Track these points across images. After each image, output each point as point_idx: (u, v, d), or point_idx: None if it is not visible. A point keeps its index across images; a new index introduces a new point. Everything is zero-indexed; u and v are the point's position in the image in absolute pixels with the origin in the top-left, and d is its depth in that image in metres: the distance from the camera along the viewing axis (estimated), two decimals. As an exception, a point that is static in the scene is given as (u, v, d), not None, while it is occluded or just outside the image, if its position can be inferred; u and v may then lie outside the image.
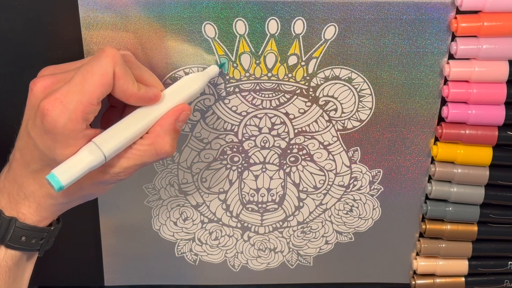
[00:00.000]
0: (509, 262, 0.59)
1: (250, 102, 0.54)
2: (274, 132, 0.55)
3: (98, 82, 0.41)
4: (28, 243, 0.45)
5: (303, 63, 0.52)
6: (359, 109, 0.54)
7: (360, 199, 0.59)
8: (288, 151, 0.56)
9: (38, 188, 0.44)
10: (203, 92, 0.53)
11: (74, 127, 0.41)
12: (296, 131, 0.55)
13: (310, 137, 0.55)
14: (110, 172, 0.43)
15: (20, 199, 0.44)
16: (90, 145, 0.41)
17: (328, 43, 0.51)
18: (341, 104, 0.54)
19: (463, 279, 0.60)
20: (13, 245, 0.45)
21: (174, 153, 0.44)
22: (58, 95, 0.40)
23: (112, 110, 0.49)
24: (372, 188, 0.58)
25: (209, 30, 0.50)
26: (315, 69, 0.52)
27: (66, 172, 0.41)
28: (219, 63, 0.51)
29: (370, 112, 0.54)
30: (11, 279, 0.45)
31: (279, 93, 0.53)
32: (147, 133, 0.45)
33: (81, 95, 0.40)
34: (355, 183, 0.58)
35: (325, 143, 0.56)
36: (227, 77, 0.52)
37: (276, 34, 0.51)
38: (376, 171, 0.57)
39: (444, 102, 0.54)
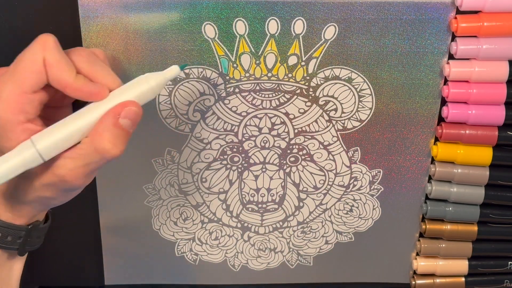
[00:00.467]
0: (509, 262, 0.59)
1: (250, 102, 0.54)
2: (274, 132, 0.55)
3: (26, 69, 0.39)
4: (3, 240, 0.44)
5: (303, 63, 0.52)
6: (359, 109, 0.54)
7: (360, 199, 0.59)
8: (288, 151, 0.56)
9: None
10: (203, 92, 0.53)
11: (9, 118, 0.39)
12: (296, 131, 0.55)
13: (310, 137, 0.55)
14: (56, 173, 0.41)
15: None
16: (26, 142, 0.39)
17: (328, 43, 0.51)
18: (341, 104, 0.54)
19: (463, 279, 0.60)
20: None
21: (120, 153, 0.40)
22: None
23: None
24: (372, 188, 0.58)
25: (209, 30, 0.50)
26: (315, 69, 0.52)
27: None
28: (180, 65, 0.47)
29: (370, 112, 0.54)
30: None
31: (279, 93, 0.53)
32: None
33: (11, 84, 0.39)
34: (355, 183, 0.58)
35: (325, 143, 0.56)
36: (227, 77, 0.52)
37: (276, 34, 0.51)
38: (376, 171, 0.57)
39: (444, 102, 0.54)
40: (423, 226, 0.59)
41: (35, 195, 0.42)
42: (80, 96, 0.41)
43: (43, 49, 0.39)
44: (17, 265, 0.47)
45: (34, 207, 0.44)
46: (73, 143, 0.40)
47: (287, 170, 0.57)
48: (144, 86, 0.42)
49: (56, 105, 0.43)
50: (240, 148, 0.56)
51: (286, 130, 0.55)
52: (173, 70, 0.44)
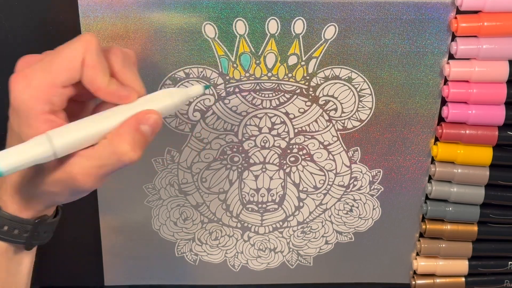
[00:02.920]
0: (509, 262, 0.59)
1: (250, 102, 0.54)
2: (274, 132, 0.55)
3: (63, 65, 0.39)
4: (10, 233, 0.44)
5: (303, 63, 0.52)
6: (359, 109, 0.54)
7: (360, 199, 0.59)
8: (288, 151, 0.56)
9: None
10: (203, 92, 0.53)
11: (34, 106, 0.39)
12: (296, 130, 0.55)
13: (310, 137, 0.55)
14: (68, 171, 0.40)
15: (1, 184, 0.44)
16: (42, 136, 0.39)
17: (328, 43, 0.51)
18: (341, 104, 0.54)
19: (463, 279, 0.60)
20: None
21: (137, 158, 0.40)
22: (27, 70, 0.39)
23: (104, 104, 0.46)
24: (372, 188, 0.58)
25: (209, 30, 0.50)
26: (315, 69, 0.52)
27: (8, 158, 0.38)
28: (204, 85, 0.47)
29: (370, 112, 0.54)
30: (2, 271, 0.45)
31: (279, 93, 0.53)
32: None
33: (45, 74, 0.39)
34: (355, 183, 0.58)
35: (325, 143, 0.56)
36: (227, 77, 0.52)
37: (276, 34, 0.51)
38: (376, 171, 0.57)
39: (444, 102, 0.54)
40: (423, 226, 0.59)
41: (44, 189, 0.42)
42: (109, 99, 0.41)
43: (85, 50, 0.39)
44: (27, 260, 0.47)
45: (41, 201, 0.44)
46: (90, 144, 0.40)
47: (287, 170, 0.57)
48: (168, 101, 0.42)
49: (78, 100, 0.43)
50: (240, 148, 0.56)
51: (286, 129, 0.55)
52: (197, 89, 0.44)
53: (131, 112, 0.41)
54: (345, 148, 0.56)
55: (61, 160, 0.40)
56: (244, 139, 0.55)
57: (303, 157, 0.56)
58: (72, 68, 0.39)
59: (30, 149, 0.38)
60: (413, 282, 0.61)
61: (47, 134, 0.39)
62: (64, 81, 0.39)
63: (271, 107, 0.54)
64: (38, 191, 0.42)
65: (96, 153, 0.40)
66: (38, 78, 0.39)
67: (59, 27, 0.50)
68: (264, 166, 0.57)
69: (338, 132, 0.55)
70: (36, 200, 0.44)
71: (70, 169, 0.40)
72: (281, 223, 0.60)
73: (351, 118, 0.54)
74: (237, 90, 0.53)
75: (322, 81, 0.53)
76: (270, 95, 0.53)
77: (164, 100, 0.42)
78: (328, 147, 0.56)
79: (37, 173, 0.41)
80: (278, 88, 0.53)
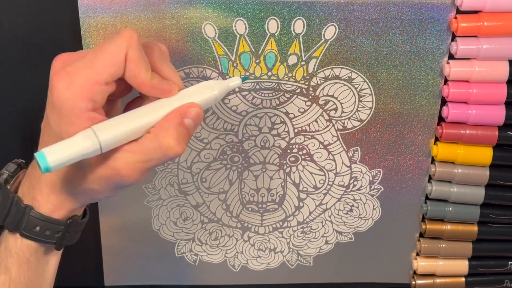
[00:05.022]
0: (509, 262, 0.59)
1: (250, 102, 0.54)
2: (274, 132, 0.55)
3: (107, 61, 0.39)
4: (42, 234, 0.44)
5: (303, 63, 0.52)
6: (359, 109, 0.54)
7: (360, 199, 0.59)
8: (288, 151, 0.56)
9: None
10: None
11: (78, 104, 0.39)
12: (296, 130, 0.55)
13: (310, 136, 0.55)
14: (112, 166, 0.40)
15: (36, 184, 0.43)
16: (88, 131, 0.39)
17: (328, 43, 0.51)
18: (341, 103, 0.54)
19: (463, 279, 0.60)
20: (27, 234, 0.43)
21: (182, 152, 0.41)
22: (69, 68, 0.39)
23: (138, 101, 0.46)
24: (372, 188, 0.58)
25: (209, 30, 0.50)
26: (315, 68, 0.52)
27: (56, 153, 0.38)
28: (242, 76, 0.49)
29: (370, 112, 0.54)
30: (30, 271, 0.45)
31: (279, 92, 0.53)
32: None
33: (89, 71, 0.39)
34: (355, 183, 0.58)
35: (325, 143, 0.56)
36: (227, 77, 0.52)
37: (276, 34, 0.51)
38: (376, 171, 0.57)
39: (444, 102, 0.54)
40: (423, 226, 0.59)
41: (85, 187, 0.42)
42: (152, 93, 0.41)
43: (128, 45, 0.39)
44: (53, 260, 0.47)
45: (77, 199, 0.44)
46: (133, 138, 0.40)
47: (287, 170, 0.57)
48: (208, 93, 0.43)
49: (110, 98, 0.43)
50: (240, 148, 0.56)
51: (286, 129, 0.55)
52: (236, 81, 0.45)
53: (173, 106, 0.42)
54: (345, 148, 0.56)
55: (105, 156, 0.40)
56: (244, 139, 0.55)
57: (303, 157, 0.56)
58: (116, 64, 0.39)
59: (77, 143, 0.38)
60: (413, 282, 0.61)
61: (92, 129, 0.39)
62: (108, 78, 0.39)
63: (271, 106, 0.54)
64: (78, 189, 0.42)
65: (141, 147, 0.40)
66: (81, 76, 0.39)
67: (59, 27, 0.50)
68: (264, 166, 0.57)
69: (338, 132, 0.55)
70: (72, 199, 0.44)
71: (115, 164, 0.40)
72: (281, 223, 0.60)
73: (351, 118, 0.54)
74: (237, 89, 0.53)
75: (322, 81, 0.53)
76: (270, 94, 0.53)
77: (205, 92, 0.43)
78: (328, 147, 0.56)
79: (78, 171, 0.41)
80: (278, 87, 0.53)
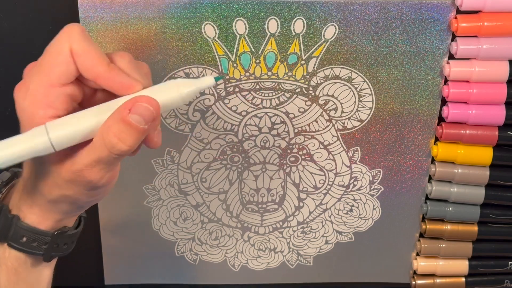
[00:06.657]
0: (509, 262, 0.59)
1: (250, 102, 0.54)
2: (274, 132, 0.55)
3: (53, 60, 0.38)
4: (28, 245, 0.42)
5: (303, 62, 0.52)
6: (359, 108, 0.54)
7: (360, 199, 0.59)
8: (288, 151, 0.56)
9: (27, 177, 0.41)
10: (202, 92, 0.53)
11: (35, 112, 0.37)
12: (296, 130, 0.55)
13: (310, 136, 0.55)
14: (73, 169, 0.39)
15: (22, 193, 0.43)
16: (41, 127, 0.37)
17: (328, 43, 0.51)
18: (341, 103, 0.54)
19: (463, 279, 0.60)
20: (14, 245, 0.42)
21: (129, 149, 0.38)
22: (26, 78, 0.38)
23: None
24: (372, 188, 0.58)
25: (209, 30, 0.50)
26: (315, 68, 0.52)
27: (4, 150, 0.36)
28: (215, 76, 0.44)
29: (370, 112, 0.54)
30: (21, 282, 0.44)
31: (279, 92, 0.53)
32: None
33: (40, 77, 0.38)
34: (355, 183, 0.58)
35: (325, 143, 0.56)
36: (227, 77, 0.52)
37: (276, 34, 0.51)
38: (376, 171, 0.57)
39: (444, 102, 0.54)
40: (423, 226, 0.59)
41: (60, 193, 0.41)
42: (111, 87, 0.39)
43: (69, 39, 0.38)
44: (46, 271, 0.46)
45: (57, 208, 0.42)
46: (89, 137, 0.38)
47: (287, 170, 0.57)
48: (173, 93, 0.39)
49: (82, 104, 0.41)
50: (240, 148, 0.56)
51: (286, 129, 0.55)
52: (207, 81, 0.40)
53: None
54: (345, 148, 0.56)
55: (65, 160, 0.39)
56: (244, 139, 0.55)
57: (303, 157, 0.56)
58: (62, 61, 0.38)
59: (27, 141, 0.37)
60: (413, 282, 0.61)
61: (45, 126, 0.37)
62: (60, 77, 0.38)
63: (271, 106, 0.54)
64: (52, 197, 0.41)
65: (92, 146, 0.38)
66: (34, 83, 0.38)
67: (59, 27, 0.50)
68: (264, 166, 0.57)
69: (338, 132, 0.55)
70: (51, 208, 0.42)
71: (75, 167, 0.39)
72: (281, 223, 0.60)
73: (351, 118, 0.54)
74: (237, 89, 0.53)
75: (322, 81, 0.53)
76: (270, 94, 0.53)
77: (170, 92, 0.39)
78: (328, 147, 0.56)
79: (44, 178, 0.40)
80: (278, 87, 0.53)
